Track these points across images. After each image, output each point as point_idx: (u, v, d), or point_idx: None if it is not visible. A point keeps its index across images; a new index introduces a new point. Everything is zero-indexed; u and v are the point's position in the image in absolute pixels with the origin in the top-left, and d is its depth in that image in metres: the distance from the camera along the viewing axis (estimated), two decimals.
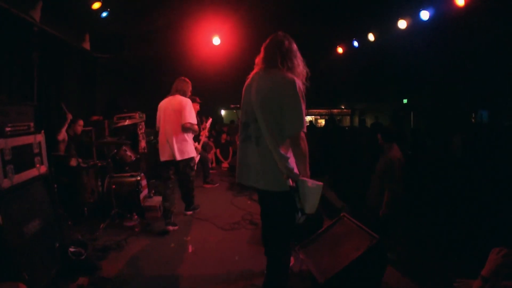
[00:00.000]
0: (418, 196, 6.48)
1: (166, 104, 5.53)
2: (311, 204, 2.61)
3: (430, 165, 7.53)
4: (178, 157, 5.35)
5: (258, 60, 2.95)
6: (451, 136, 8.81)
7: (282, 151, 2.63)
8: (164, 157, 5.43)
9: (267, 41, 2.94)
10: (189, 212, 6.05)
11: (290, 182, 2.59)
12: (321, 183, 2.63)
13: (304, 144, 2.67)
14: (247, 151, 2.82)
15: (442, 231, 5.32)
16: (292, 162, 2.67)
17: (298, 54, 2.90)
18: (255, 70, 2.96)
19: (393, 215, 4.58)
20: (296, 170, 2.65)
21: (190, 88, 5.73)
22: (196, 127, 5.59)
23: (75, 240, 4.17)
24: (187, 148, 5.47)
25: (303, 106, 2.66)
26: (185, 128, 5.40)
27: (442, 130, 9.50)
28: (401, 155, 4.61)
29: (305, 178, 2.63)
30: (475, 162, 7.37)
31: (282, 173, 2.61)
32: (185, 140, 5.45)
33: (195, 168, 6.07)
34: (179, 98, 5.49)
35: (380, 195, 4.60)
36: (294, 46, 2.90)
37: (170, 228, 5.29)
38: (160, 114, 5.58)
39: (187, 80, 5.72)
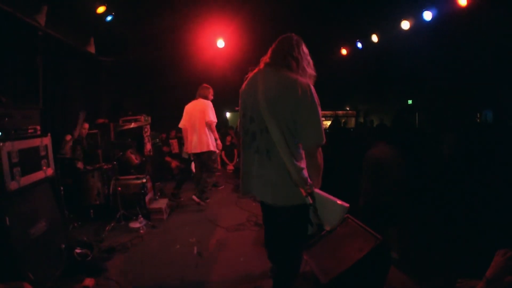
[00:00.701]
0: (421, 196, 6.47)
1: (192, 107, 6.59)
2: (330, 221, 2.44)
3: (431, 164, 7.52)
4: (199, 150, 6.44)
5: (265, 58, 2.68)
6: (444, 134, 8.89)
7: (297, 163, 2.41)
8: (190, 150, 6.57)
9: (279, 39, 2.69)
10: (196, 199, 6.63)
11: (310, 199, 2.41)
12: (347, 205, 2.40)
13: (321, 156, 2.52)
14: (256, 163, 2.57)
15: (445, 231, 5.31)
16: (306, 172, 2.45)
17: (310, 59, 2.68)
18: (259, 67, 2.68)
19: (362, 207, 4.72)
20: (309, 181, 2.44)
21: (211, 92, 6.72)
22: (213, 125, 6.53)
23: (81, 242, 4.21)
24: (206, 142, 6.43)
25: (320, 115, 2.45)
26: (207, 125, 6.42)
27: (446, 130, 9.46)
28: (377, 153, 4.70)
29: (321, 192, 2.46)
30: (467, 162, 7.37)
31: (297, 187, 2.40)
32: (206, 135, 6.43)
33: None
34: (202, 101, 6.53)
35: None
36: (307, 50, 2.69)
37: (196, 199, 6.62)
38: (186, 115, 6.63)
39: (208, 86, 6.70)
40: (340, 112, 23.42)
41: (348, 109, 24.22)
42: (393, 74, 14.03)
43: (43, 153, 3.68)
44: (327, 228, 2.48)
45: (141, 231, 5.20)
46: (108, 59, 9.10)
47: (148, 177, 6.12)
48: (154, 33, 9.12)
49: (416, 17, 8.56)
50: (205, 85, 6.69)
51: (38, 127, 3.72)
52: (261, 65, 2.67)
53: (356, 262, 3.07)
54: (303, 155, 2.50)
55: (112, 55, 9.15)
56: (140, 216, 5.42)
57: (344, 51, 12.00)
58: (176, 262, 4.27)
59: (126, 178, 5.91)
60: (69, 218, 5.21)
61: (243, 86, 2.76)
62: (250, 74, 2.73)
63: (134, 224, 5.34)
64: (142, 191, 5.77)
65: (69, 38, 6.99)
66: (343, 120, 20.07)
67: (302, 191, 2.40)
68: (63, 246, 3.80)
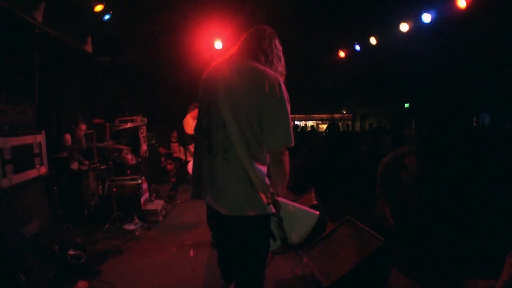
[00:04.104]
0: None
1: None
2: (297, 233, 2.17)
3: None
4: None
5: (232, 49, 2.42)
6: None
7: (258, 166, 2.11)
8: None
9: (250, 30, 2.41)
10: None
11: (272, 208, 2.09)
12: (317, 212, 2.19)
13: (287, 161, 2.18)
14: (210, 165, 2.20)
15: (448, 233, 5.28)
16: (267, 179, 2.14)
17: (282, 55, 2.41)
18: (224, 59, 2.39)
19: None
20: (271, 189, 2.14)
21: None
22: None
23: (75, 243, 4.10)
24: None
25: (289, 113, 2.13)
26: None
27: (443, 134, 9.48)
28: None
29: (285, 201, 2.18)
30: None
31: (260, 195, 2.07)
32: None
33: None
34: None
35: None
36: (280, 46, 2.42)
37: None
38: None
39: None
40: (336, 116, 23.48)
41: (344, 112, 24.28)
42: (391, 77, 14.05)
43: (36, 151, 3.60)
44: (294, 242, 2.19)
45: (136, 233, 5.11)
46: (106, 59, 9.03)
47: (143, 178, 6.02)
48: (151, 33, 9.08)
49: (415, 19, 8.48)
50: None
51: (33, 124, 3.64)
52: (227, 55, 2.40)
53: (358, 265, 3.01)
54: (267, 160, 2.20)
55: (110, 55, 9.07)
56: (135, 217, 5.33)
57: (342, 54, 11.92)
58: (172, 265, 4.19)
59: (121, 179, 5.80)
60: (63, 219, 5.11)
61: (204, 76, 2.40)
62: (214, 64, 2.39)
63: (129, 226, 5.25)
64: (138, 192, 5.67)
65: (66, 36, 6.92)
66: (339, 123, 20.10)
67: (264, 197, 2.07)
68: (56, 247, 3.71)
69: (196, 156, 2.38)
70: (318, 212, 2.19)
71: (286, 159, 2.16)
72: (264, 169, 2.16)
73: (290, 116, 2.13)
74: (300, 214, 2.18)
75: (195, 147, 2.41)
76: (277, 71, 2.29)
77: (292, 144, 2.11)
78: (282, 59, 2.39)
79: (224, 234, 2.40)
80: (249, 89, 2.10)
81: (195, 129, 2.42)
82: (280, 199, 2.15)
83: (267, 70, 2.16)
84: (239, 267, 2.31)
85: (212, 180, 2.19)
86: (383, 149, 9.77)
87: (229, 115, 2.08)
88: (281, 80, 2.16)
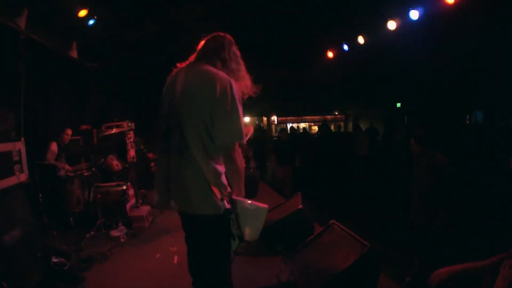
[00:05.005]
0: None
1: None
2: (252, 229, 2.25)
3: None
4: None
5: (191, 57, 2.50)
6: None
7: (215, 165, 2.19)
8: None
9: (207, 38, 2.49)
10: None
11: (226, 203, 2.20)
12: (265, 206, 2.25)
13: (240, 159, 2.23)
14: (168, 165, 2.25)
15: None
16: (224, 179, 2.24)
17: (241, 61, 2.50)
18: (183, 65, 2.47)
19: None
20: (229, 189, 2.24)
21: None
22: None
23: (58, 250, 4.06)
24: None
25: (240, 112, 2.23)
26: None
27: (436, 132, 9.48)
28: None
29: (241, 198, 2.23)
30: None
31: (214, 192, 2.16)
32: None
33: None
34: None
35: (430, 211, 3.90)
36: (238, 52, 2.51)
37: None
38: None
39: None
40: (328, 117, 23.51)
41: (336, 113, 24.32)
42: (382, 77, 14.01)
43: (16, 158, 3.55)
44: (249, 238, 2.27)
45: (122, 240, 5.07)
46: (93, 65, 8.93)
47: (129, 184, 5.98)
48: (138, 38, 9.01)
49: (402, 16, 8.38)
50: None
51: (12, 131, 3.58)
52: (186, 62, 2.48)
53: (344, 271, 2.97)
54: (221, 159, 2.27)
55: (96, 60, 8.98)
56: (120, 224, 5.29)
57: (330, 54, 11.86)
58: (155, 272, 4.16)
59: (106, 185, 5.76)
60: (48, 225, 5.06)
61: (166, 83, 2.50)
62: (174, 71, 2.48)
63: (115, 233, 5.22)
64: (123, 198, 5.63)
65: (51, 42, 6.82)
66: (331, 125, 20.12)
67: (218, 194, 2.16)
68: (39, 254, 3.65)
69: (158, 159, 2.47)
70: (266, 205, 2.26)
71: (238, 156, 2.21)
72: (221, 168, 2.24)
73: (242, 115, 2.24)
74: (253, 209, 2.23)
75: (158, 150, 2.46)
76: (238, 76, 2.42)
77: (244, 141, 2.22)
78: (242, 65, 2.49)
79: (187, 235, 2.48)
80: (202, 91, 2.19)
81: (157, 132, 2.47)
82: (237, 198, 2.23)
83: (220, 72, 2.26)
84: (201, 269, 2.38)
85: (171, 180, 2.24)
86: (360, 149, 9.85)
87: (186, 116, 2.19)
88: (233, 82, 2.26)
